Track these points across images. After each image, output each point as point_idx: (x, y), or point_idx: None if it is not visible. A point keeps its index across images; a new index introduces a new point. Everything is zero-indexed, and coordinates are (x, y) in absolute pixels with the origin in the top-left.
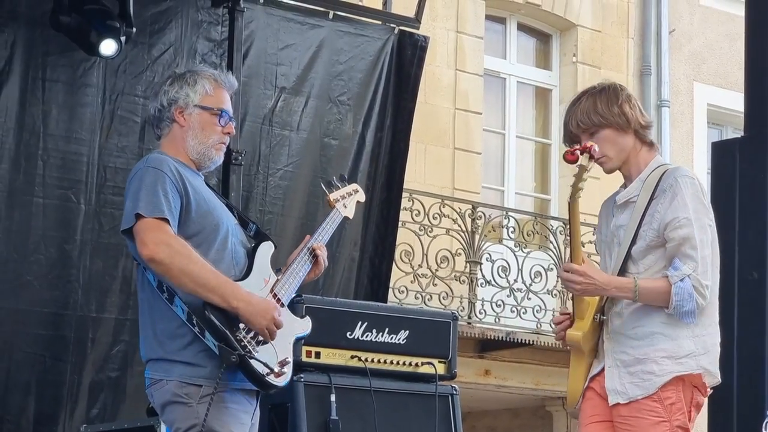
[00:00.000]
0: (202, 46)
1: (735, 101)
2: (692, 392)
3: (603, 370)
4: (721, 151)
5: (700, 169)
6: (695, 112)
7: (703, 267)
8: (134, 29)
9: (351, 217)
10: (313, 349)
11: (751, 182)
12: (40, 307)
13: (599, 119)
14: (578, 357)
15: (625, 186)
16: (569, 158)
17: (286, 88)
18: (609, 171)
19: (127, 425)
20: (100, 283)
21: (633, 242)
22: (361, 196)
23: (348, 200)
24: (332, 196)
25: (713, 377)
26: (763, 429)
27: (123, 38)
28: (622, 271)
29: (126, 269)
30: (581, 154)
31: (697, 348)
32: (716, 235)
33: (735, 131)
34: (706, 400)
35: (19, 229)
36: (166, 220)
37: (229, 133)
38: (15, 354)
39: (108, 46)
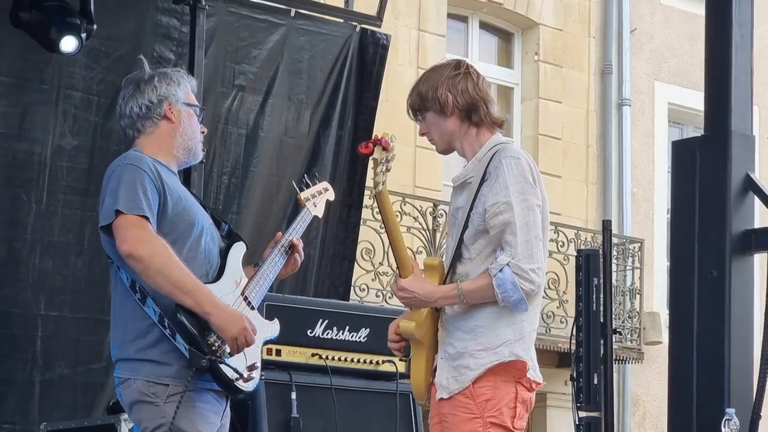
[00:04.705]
0: (160, 44)
1: (696, 100)
2: (516, 387)
3: None
4: (681, 150)
5: (660, 167)
6: (656, 110)
7: (524, 251)
8: (95, 26)
9: (321, 216)
10: (274, 347)
11: (711, 181)
12: None
13: (419, 103)
14: (418, 348)
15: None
16: (363, 151)
17: (244, 86)
18: (441, 152)
19: (87, 423)
20: (49, 282)
21: (465, 227)
22: (331, 195)
23: (318, 199)
24: (302, 195)
25: (534, 371)
26: (723, 427)
27: (84, 35)
28: (457, 256)
29: (76, 268)
30: (374, 146)
31: (514, 335)
32: (548, 214)
33: (696, 130)
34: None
35: None
36: (146, 218)
37: (203, 132)
38: None
39: (68, 43)
